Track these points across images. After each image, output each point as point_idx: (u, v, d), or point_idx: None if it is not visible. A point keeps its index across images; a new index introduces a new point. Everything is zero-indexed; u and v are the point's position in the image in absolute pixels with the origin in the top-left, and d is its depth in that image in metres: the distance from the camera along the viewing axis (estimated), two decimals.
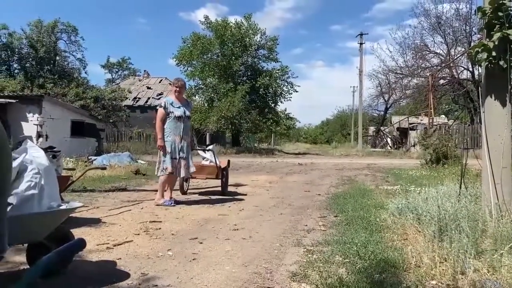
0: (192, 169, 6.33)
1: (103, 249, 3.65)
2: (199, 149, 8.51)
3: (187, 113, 6.24)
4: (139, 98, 34.94)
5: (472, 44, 20.02)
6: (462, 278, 2.70)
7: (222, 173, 7.25)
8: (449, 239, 3.18)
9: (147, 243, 3.93)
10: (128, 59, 55.85)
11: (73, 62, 39.55)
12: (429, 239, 3.38)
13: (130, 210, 5.64)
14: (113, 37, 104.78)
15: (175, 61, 29.04)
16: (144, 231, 4.38)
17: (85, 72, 45.84)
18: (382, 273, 2.88)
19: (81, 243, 1.16)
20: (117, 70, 56.21)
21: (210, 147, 7.91)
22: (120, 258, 3.40)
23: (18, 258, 3.27)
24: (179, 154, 6.09)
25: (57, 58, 37.59)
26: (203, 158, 7.86)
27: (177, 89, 6.29)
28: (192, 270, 3.14)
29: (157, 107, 6.43)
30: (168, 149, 6.03)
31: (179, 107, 6.18)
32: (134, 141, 24.37)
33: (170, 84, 6.03)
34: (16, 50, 35.43)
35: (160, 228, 4.55)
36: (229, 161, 7.90)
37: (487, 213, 3.70)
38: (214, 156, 7.29)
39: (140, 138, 25.09)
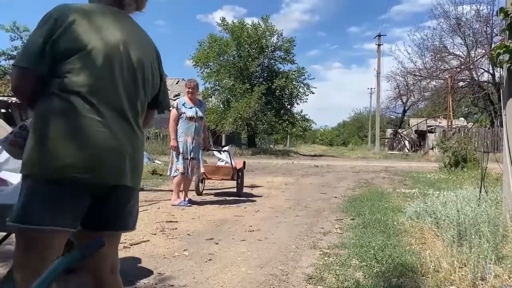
0: (202, 169, 6.37)
1: (120, 248, 3.66)
2: (215, 150, 8.54)
3: (199, 113, 6.27)
4: None
5: (493, 45, 19.64)
6: (482, 284, 2.64)
7: (237, 174, 7.26)
8: (469, 244, 3.12)
9: (164, 243, 3.96)
10: None
11: None
12: (448, 244, 3.33)
13: (146, 210, 5.69)
14: None
15: (192, 62, 29.24)
16: (161, 231, 4.42)
17: None
18: (400, 277, 2.84)
19: (102, 242, 1.17)
20: None
21: (226, 148, 7.92)
22: (137, 258, 3.43)
23: None
24: (190, 154, 6.14)
25: None
26: (219, 159, 7.88)
27: (190, 90, 6.35)
28: (208, 271, 3.15)
29: (170, 108, 6.51)
30: (180, 149, 6.09)
31: (191, 108, 6.24)
32: (151, 141, 24.57)
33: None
34: None
35: (176, 228, 4.58)
36: (244, 162, 7.90)
37: (508, 218, 3.62)
38: (230, 157, 7.31)
39: (157, 139, 25.28)
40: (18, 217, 1.44)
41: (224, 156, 7.69)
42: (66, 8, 1.51)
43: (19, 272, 1.46)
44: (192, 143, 6.17)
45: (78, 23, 1.49)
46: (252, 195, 7.47)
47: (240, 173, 7.38)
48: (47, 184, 1.42)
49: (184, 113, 6.18)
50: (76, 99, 1.44)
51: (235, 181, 7.33)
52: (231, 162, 7.24)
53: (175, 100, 6.94)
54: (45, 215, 1.41)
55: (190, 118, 6.18)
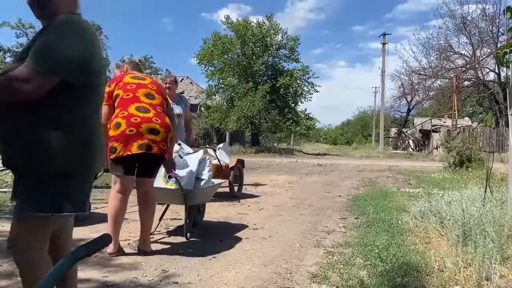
0: None
1: (124, 245, 3.69)
2: (208, 147, 8.35)
3: (177, 111, 5.83)
4: None
5: (499, 45, 19.50)
6: (487, 284, 2.63)
7: (229, 172, 6.99)
8: (474, 244, 3.11)
9: (168, 240, 3.97)
10: (151, 57, 56.24)
11: None
12: (452, 243, 3.32)
13: None
14: (136, 36, 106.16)
15: (196, 60, 29.21)
16: (165, 228, 4.43)
17: (108, 71, 46.55)
18: (404, 276, 2.84)
19: (108, 239, 1.18)
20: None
21: (220, 145, 7.63)
22: (141, 255, 3.44)
23: None
24: None
25: None
26: (213, 157, 7.70)
27: (167, 85, 6.00)
28: (212, 268, 3.15)
29: None
30: None
31: None
32: None
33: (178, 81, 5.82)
34: None
35: (180, 226, 4.58)
36: (240, 160, 7.62)
37: None
38: (216, 155, 6.91)
39: None
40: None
41: (218, 154, 7.42)
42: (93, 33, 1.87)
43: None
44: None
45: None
46: (256, 194, 7.47)
47: (238, 172, 7.21)
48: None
49: None
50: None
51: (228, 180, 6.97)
52: (219, 160, 6.86)
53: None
54: None
55: None
